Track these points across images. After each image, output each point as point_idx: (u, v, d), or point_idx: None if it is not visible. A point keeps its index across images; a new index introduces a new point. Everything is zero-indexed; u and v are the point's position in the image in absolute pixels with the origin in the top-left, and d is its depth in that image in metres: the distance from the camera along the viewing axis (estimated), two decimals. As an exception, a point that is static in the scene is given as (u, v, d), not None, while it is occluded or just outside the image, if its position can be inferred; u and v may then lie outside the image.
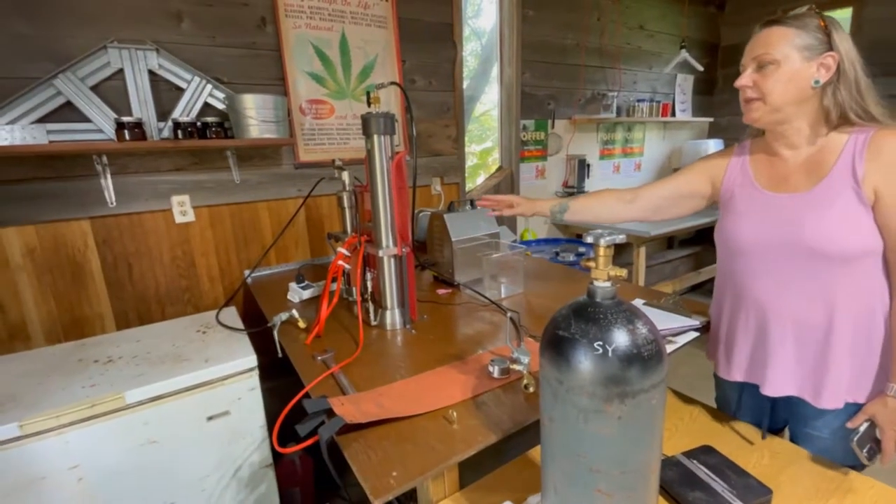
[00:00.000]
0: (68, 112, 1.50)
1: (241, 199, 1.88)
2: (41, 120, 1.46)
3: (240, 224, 1.90)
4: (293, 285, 1.58)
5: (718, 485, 0.78)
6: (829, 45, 0.82)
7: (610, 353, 0.51)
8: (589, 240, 0.57)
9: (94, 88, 1.53)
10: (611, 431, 0.53)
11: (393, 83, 1.27)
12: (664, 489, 0.78)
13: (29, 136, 1.37)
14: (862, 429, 0.86)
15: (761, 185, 0.94)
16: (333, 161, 1.59)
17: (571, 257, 2.69)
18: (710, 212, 1.08)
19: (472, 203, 1.66)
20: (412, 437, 0.79)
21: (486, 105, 3.50)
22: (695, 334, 1.13)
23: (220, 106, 1.74)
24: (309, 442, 0.80)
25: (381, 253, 1.25)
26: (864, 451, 0.85)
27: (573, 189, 3.18)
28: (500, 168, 2.99)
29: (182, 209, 1.76)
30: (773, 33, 0.84)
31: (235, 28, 1.77)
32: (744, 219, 0.95)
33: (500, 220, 2.55)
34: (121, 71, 1.56)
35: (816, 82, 0.83)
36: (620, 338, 0.52)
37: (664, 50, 3.58)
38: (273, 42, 1.86)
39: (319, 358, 1.10)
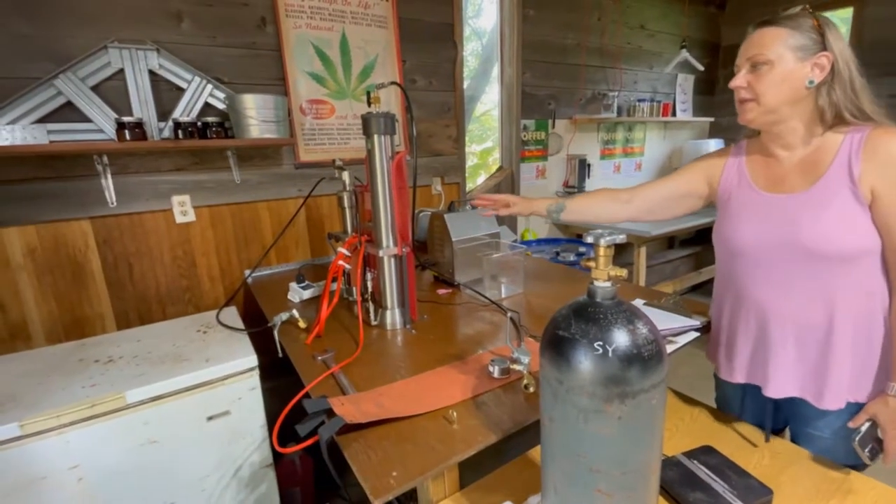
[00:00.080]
0: (69, 112, 1.50)
1: (242, 199, 1.88)
2: (42, 120, 1.46)
3: (240, 224, 1.90)
4: (293, 285, 1.58)
5: (719, 485, 0.78)
6: (824, 45, 0.82)
7: (610, 354, 0.51)
8: (589, 240, 0.57)
9: (95, 88, 1.53)
10: (611, 431, 0.53)
11: (393, 83, 1.27)
12: (664, 489, 0.78)
13: (30, 136, 1.37)
14: (863, 429, 0.85)
15: (758, 185, 0.94)
16: (334, 161, 1.59)
17: (572, 257, 2.69)
18: (711, 212, 1.07)
19: (472, 203, 1.66)
20: (412, 437, 0.79)
21: (487, 105, 3.50)
22: (695, 334, 1.12)
23: (221, 106, 1.74)
24: (309, 442, 0.80)
25: (381, 253, 1.25)
26: (867, 450, 0.85)
27: (574, 189, 3.18)
28: (500, 168, 2.98)
29: (182, 209, 1.76)
30: (767, 34, 0.84)
31: (236, 28, 1.77)
32: (741, 220, 0.95)
33: (501, 220, 2.55)
34: (121, 71, 1.56)
35: (811, 82, 0.83)
36: (620, 338, 0.52)
37: (665, 50, 3.58)
38: (273, 42, 1.86)
39: (320, 358, 1.10)
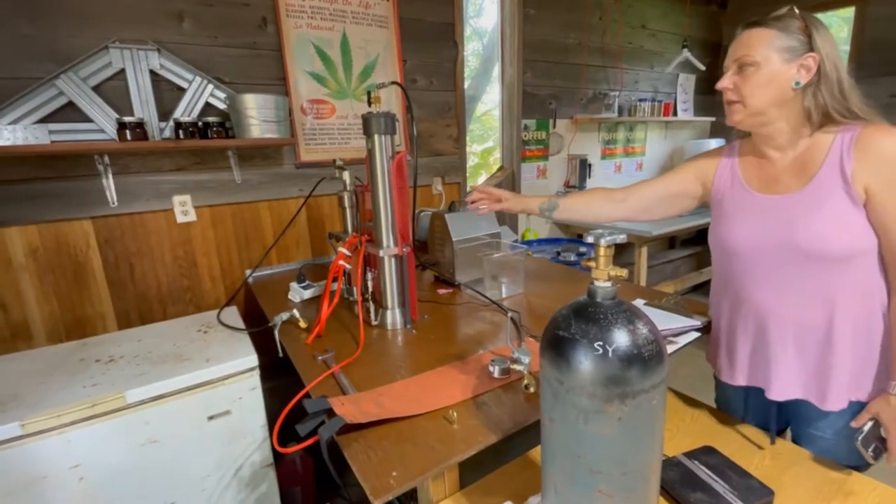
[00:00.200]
0: (70, 112, 1.51)
1: (243, 199, 1.89)
2: (43, 120, 1.46)
3: (241, 224, 1.90)
4: (294, 285, 1.58)
5: (720, 485, 0.78)
6: (811, 46, 0.82)
7: (610, 354, 0.51)
8: (589, 240, 0.57)
9: (96, 88, 1.54)
10: (611, 432, 0.53)
11: (394, 83, 1.27)
12: (665, 490, 0.78)
13: (31, 136, 1.37)
14: (866, 428, 0.85)
15: (752, 186, 0.94)
16: (334, 161, 1.59)
17: (572, 257, 2.68)
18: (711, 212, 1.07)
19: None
20: (412, 437, 0.79)
21: (488, 105, 3.50)
22: (696, 335, 1.12)
23: (222, 106, 1.74)
24: (309, 442, 0.80)
25: (381, 253, 1.25)
26: (870, 450, 0.85)
27: (574, 189, 3.17)
28: (501, 168, 2.98)
29: (183, 209, 1.76)
30: (754, 35, 0.84)
31: (236, 28, 1.77)
32: (736, 222, 0.95)
33: (501, 221, 2.55)
34: (122, 71, 1.56)
35: (797, 84, 0.82)
36: (621, 338, 0.52)
37: (666, 49, 3.57)
38: (274, 42, 1.86)
39: (320, 358, 1.10)
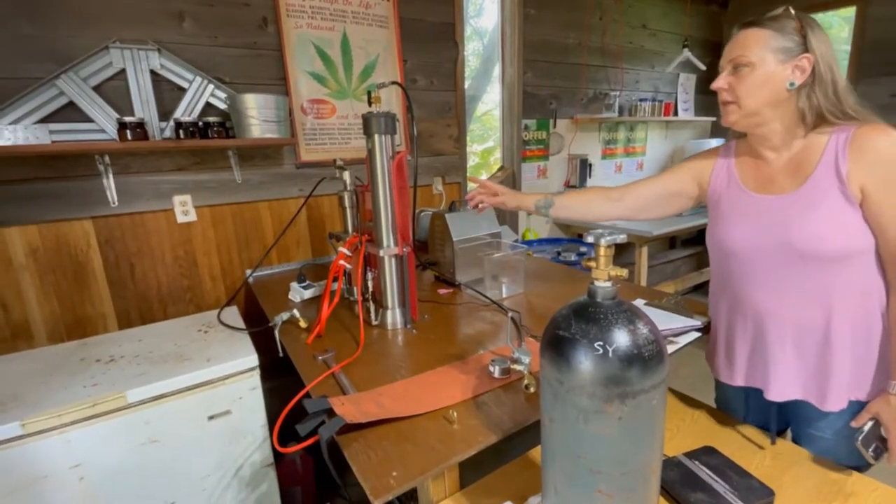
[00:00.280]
0: (71, 112, 1.51)
1: (243, 199, 1.89)
2: (44, 120, 1.46)
3: (241, 224, 1.90)
4: (294, 285, 1.58)
5: (720, 486, 0.78)
6: (806, 47, 0.81)
7: (610, 354, 0.51)
8: (590, 240, 0.57)
9: (97, 88, 1.54)
10: (611, 432, 0.53)
11: (394, 83, 1.27)
12: (665, 490, 0.78)
13: (32, 136, 1.37)
14: (866, 428, 0.85)
15: (748, 187, 0.94)
16: (335, 161, 1.59)
17: (573, 257, 2.68)
18: (712, 211, 1.06)
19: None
20: (412, 437, 0.79)
21: (488, 104, 3.50)
22: (696, 335, 1.12)
23: (222, 106, 1.74)
24: (309, 442, 0.80)
25: (382, 252, 1.25)
26: (870, 450, 0.84)
27: (575, 189, 3.17)
28: (501, 167, 2.98)
29: (184, 209, 1.76)
30: (750, 35, 0.84)
31: (237, 28, 1.77)
32: (733, 222, 0.94)
33: (502, 220, 2.55)
34: (123, 71, 1.56)
35: (791, 84, 0.82)
36: (621, 338, 0.52)
37: (666, 49, 3.57)
38: (274, 42, 1.86)
39: (320, 357, 1.10)
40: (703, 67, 3.67)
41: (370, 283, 1.28)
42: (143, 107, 1.60)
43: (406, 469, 0.72)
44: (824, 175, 0.82)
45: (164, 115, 1.65)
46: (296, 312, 1.30)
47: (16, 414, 1.02)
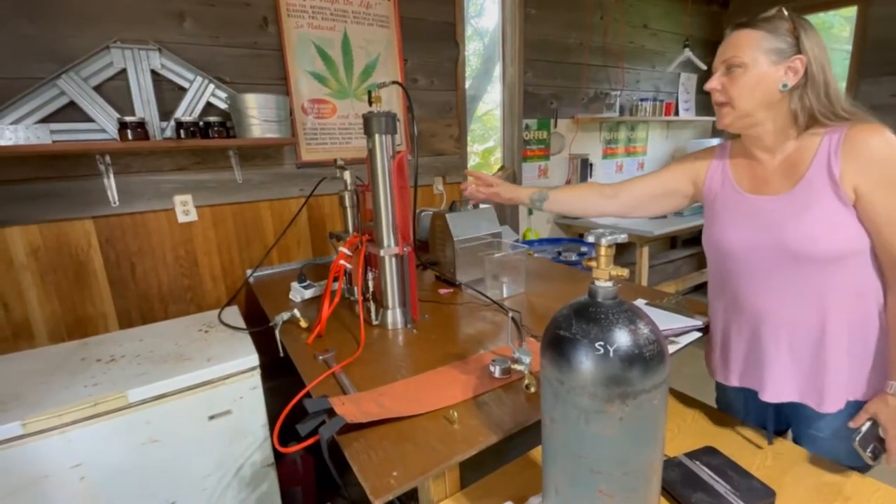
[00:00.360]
0: (72, 112, 1.51)
1: (244, 199, 1.89)
2: (45, 120, 1.46)
3: (242, 223, 1.90)
4: (295, 285, 1.58)
5: (721, 486, 0.78)
6: (799, 48, 0.81)
7: (611, 354, 0.51)
8: (590, 239, 0.57)
9: (98, 88, 1.54)
10: (612, 432, 0.53)
11: (395, 82, 1.27)
12: (666, 490, 0.78)
13: (33, 135, 1.37)
14: (864, 428, 0.85)
15: (742, 187, 0.94)
16: (335, 160, 1.59)
17: (573, 257, 2.68)
18: (710, 212, 1.06)
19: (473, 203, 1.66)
20: (413, 437, 0.79)
21: (489, 104, 3.50)
22: (697, 334, 1.12)
23: (223, 106, 1.75)
24: (310, 441, 0.80)
25: (382, 252, 1.25)
26: (868, 450, 0.84)
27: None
28: (502, 167, 2.98)
29: (185, 209, 1.76)
30: (743, 36, 0.84)
31: (237, 28, 1.77)
32: (728, 223, 0.94)
33: (502, 220, 2.55)
34: (124, 71, 1.56)
35: (784, 86, 0.82)
36: (622, 338, 0.51)
37: (667, 49, 3.57)
38: (275, 42, 1.86)
39: (321, 357, 1.10)
40: (704, 67, 3.66)
41: (371, 283, 1.28)
42: (144, 107, 1.60)
43: (406, 469, 0.72)
44: (817, 176, 0.82)
45: (165, 114, 1.65)
46: (296, 312, 1.30)
47: (17, 413, 1.02)
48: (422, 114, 2.32)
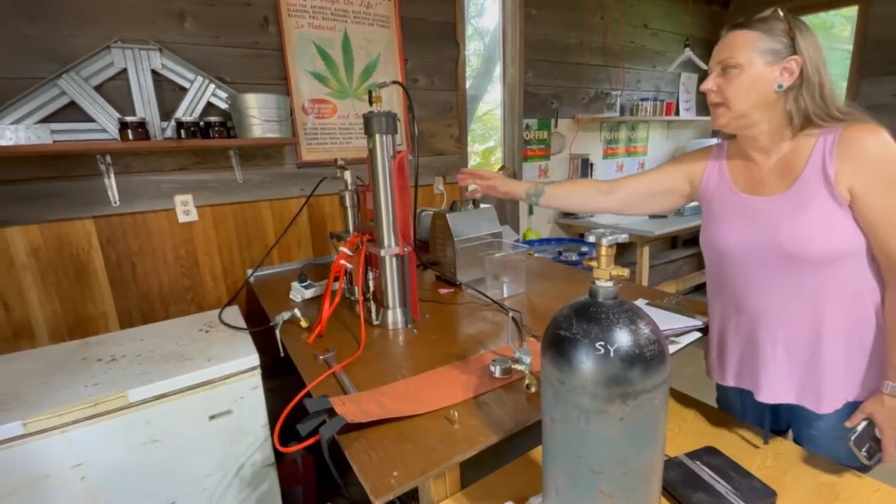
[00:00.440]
0: (72, 112, 1.51)
1: (244, 199, 1.89)
2: (45, 120, 1.47)
3: (243, 223, 1.90)
4: (295, 284, 1.59)
5: (722, 486, 0.78)
6: (794, 49, 0.81)
7: (612, 354, 0.51)
8: (591, 239, 0.57)
9: (98, 88, 1.54)
10: (613, 432, 0.53)
11: (395, 82, 1.27)
12: (667, 490, 0.78)
13: (33, 135, 1.37)
14: (860, 428, 0.84)
15: (739, 188, 0.94)
16: (336, 160, 1.59)
17: (574, 257, 2.68)
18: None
19: (474, 202, 1.66)
20: (413, 437, 0.79)
21: (489, 104, 3.50)
22: (697, 334, 1.12)
23: (223, 105, 1.75)
24: (310, 441, 0.80)
25: (382, 252, 1.25)
26: (864, 450, 0.84)
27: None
28: (502, 167, 2.98)
29: (185, 208, 1.76)
30: (738, 37, 0.84)
31: (238, 28, 1.77)
32: (724, 223, 0.94)
33: (503, 220, 2.55)
34: (124, 71, 1.57)
35: (779, 87, 0.82)
36: (622, 338, 0.51)
37: (668, 48, 3.56)
38: (276, 42, 1.86)
39: (321, 357, 1.10)
40: (705, 67, 3.65)
41: (371, 283, 1.28)
42: (145, 106, 1.61)
43: (407, 469, 0.72)
44: (812, 177, 0.82)
45: (166, 114, 1.65)
46: (297, 312, 1.30)
47: (18, 413, 1.02)
48: (422, 114, 2.32)
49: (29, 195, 1.51)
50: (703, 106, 3.95)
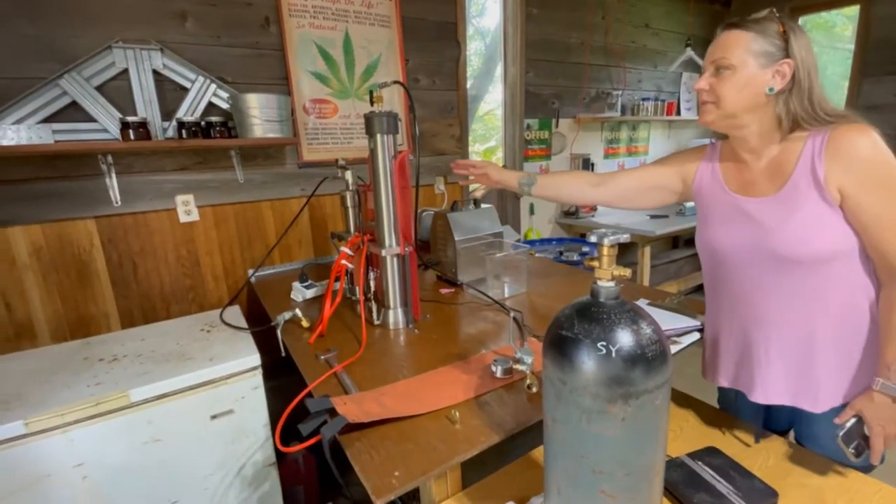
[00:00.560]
0: (74, 112, 1.51)
1: (245, 199, 1.89)
2: (47, 120, 1.47)
3: (244, 223, 1.90)
4: (297, 284, 1.59)
5: (723, 486, 0.77)
6: (787, 52, 0.81)
7: (613, 354, 0.51)
8: (593, 239, 0.57)
9: (100, 88, 1.54)
10: (614, 432, 0.52)
11: (396, 82, 1.27)
12: (668, 490, 0.78)
13: (35, 135, 1.37)
14: (848, 424, 0.83)
15: (731, 189, 0.94)
16: (337, 160, 1.59)
17: (575, 257, 2.68)
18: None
19: (475, 202, 1.66)
20: (414, 437, 0.79)
21: (490, 104, 3.50)
22: (699, 335, 1.12)
23: (224, 105, 1.75)
24: (311, 441, 0.80)
25: (384, 252, 1.25)
26: (851, 447, 0.83)
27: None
28: (503, 167, 2.98)
29: (186, 208, 1.77)
30: (732, 37, 0.83)
31: (239, 28, 1.78)
32: (718, 224, 0.94)
33: (504, 220, 2.55)
34: (126, 71, 1.57)
35: (770, 90, 0.82)
36: (624, 338, 0.51)
37: (669, 48, 3.56)
38: (277, 42, 1.86)
39: (322, 357, 1.10)
40: (706, 67, 3.65)
41: (372, 283, 1.28)
42: (146, 106, 1.61)
43: (408, 469, 0.72)
44: (802, 178, 0.82)
45: (167, 114, 1.65)
46: (298, 312, 1.30)
47: (19, 413, 1.03)
48: (423, 113, 2.32)
49: (31, 195, 1.51)
50: (704, 106, 3.94)
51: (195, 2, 1.68)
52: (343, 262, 1.30)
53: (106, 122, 1.54)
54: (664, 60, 3.55)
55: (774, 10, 0.84)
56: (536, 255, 2.54)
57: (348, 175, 1.50)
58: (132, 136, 1.49)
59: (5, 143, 1.34)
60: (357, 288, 1.36)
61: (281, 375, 1.49)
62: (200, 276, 1.84)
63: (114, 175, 1.61)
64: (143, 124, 1.51)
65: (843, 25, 3.66)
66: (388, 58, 2.14)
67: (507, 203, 2.89)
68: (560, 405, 0.55)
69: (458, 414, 0.83)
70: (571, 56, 2.99)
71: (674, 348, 1.05)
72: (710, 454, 0.86)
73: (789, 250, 0.83)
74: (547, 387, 0.58)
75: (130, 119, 1.49)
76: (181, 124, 1.59)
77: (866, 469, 0.86)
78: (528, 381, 0.91)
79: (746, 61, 0.82)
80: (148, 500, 1.18)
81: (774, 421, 1.04)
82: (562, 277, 1.66)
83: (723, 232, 0.93)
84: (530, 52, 2.77)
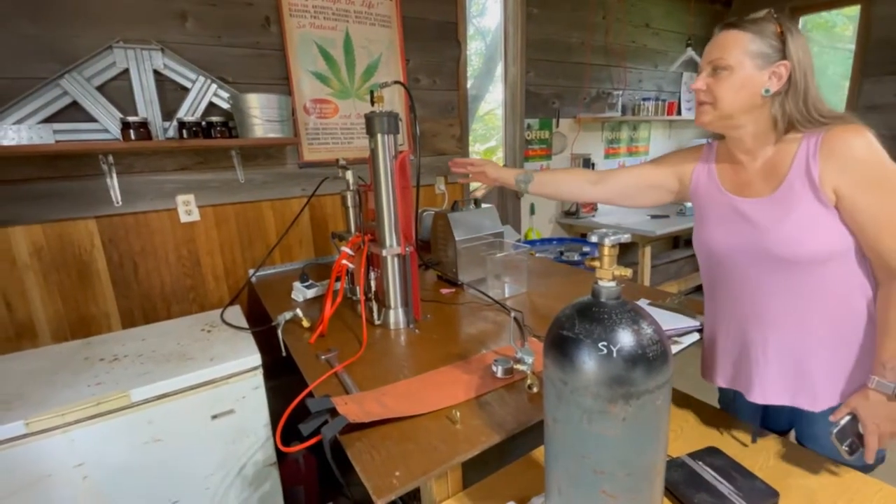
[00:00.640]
0: (74, 112, 1.51)
1: (246, 199, 1.89)
2: (48, 120, 1.47)
3: (244, 223, 1.91)
4: (297, 284, 1.59)
5: (724, 487, 0.77)
6: (784, 54, 0.81)
7: (614, 354, 0.51)
8: (593, 239, 0.57)
9: (100, 88, 1.54)
10: (615, 432, 0.52)
11: (397, 82, 1.27)
12: (669, 491, 0.78)
13: (35, 135, 1.38)
14: (843, 422, 0.83)
15: (727, 189, 0.94)
16: (337, 160, 1.59)
17: (576, 257, 2.68)
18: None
19: (475, 202, 1.66)
20: (415, 437, 0.79)
21: (491, 104, 3.50)
22: (699, 335, 1.12)
23: (225, 105, 1.75)
24: (312, 441, 0.80)
25: (384, 252, 1.25)
26: (845, 445, 0.83)
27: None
28: (504, 167, 2.98)
29: (187, 208, 1.77)
30: (730, 37, 0.83)
31: (240, 28, 1.78)
32: (715, 225, 0.94)
33: (504, 220, 2.55)
34: (126, 71, 1.57)
35: (766, 91, 0.82)
36: (625, 338, 0.51)
37: (670, 48, 3.56)
38: (277, 42, 1.86)
39: (323, 357, 1.10)
40: (707, 66, 3.65)
41: (373, 283, 1.28)
42: (147, 106, 1.61)
43: (409, 469, 0.72)
44: (797, 179, 0.82)
45: (168, 114, 1.65)
46: (298, 312, 1.30)
47: (20, 413, 1.03)
48: (424, 113, 2.32)
49: (31, 195, 1.51)
50: (704, 105, 3.94)
51: (195, 2, 1.68)
52: (344, 262, 1.30)
53: (107, 122, 1.55)
54: (665, 60, 3.55)
55: (772, 10, 0.84)
56: (537, 255, 2.54)
57: (349, 175, 1.50)
58: (133, 136, 1.49)
59: (6, 143, 1.34)
60: (358, 288, 1.36)
61: (282, 375, 1.49)
62: (201, 276, 1.84)
63: (114, 175, 1.61)
64: (143, 124, 1.51)
65: (843, 25, 3.65)
66: (388, 58, 2.14)
67: (508, 203, 2.89)
68: (561, 405, 0.55)
69: (458, 414, 0.83)
70: (572, 56, 2.99)
71: (674, 348, 1.05)
72: (710, 454, 0.86)
73: (785, 251, 0.83)
74: (548, 387, 0.58)
75: (131, 119, 1.49)
76: (182, 124, 1.59)
77: (867, 469, 0.86)
78: (528, 381, 0.91)
79: (743, 62, 0.82)
80: (148, 500, 1.18)
81: (775, 421, 1.04)
82: (562, 277, 1.66)
83: (719, 232, 0.93)
84: (531, 51, 2.77)
